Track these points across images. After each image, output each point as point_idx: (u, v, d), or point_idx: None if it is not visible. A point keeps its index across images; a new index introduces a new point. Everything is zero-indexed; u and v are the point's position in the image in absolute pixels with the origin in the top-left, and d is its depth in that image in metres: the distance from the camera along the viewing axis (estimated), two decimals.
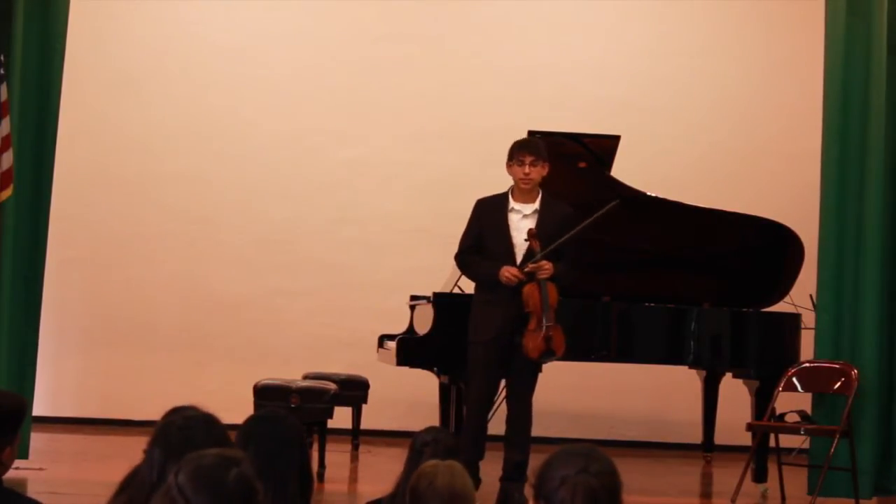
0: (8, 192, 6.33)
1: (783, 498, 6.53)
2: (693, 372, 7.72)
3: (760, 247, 7.18)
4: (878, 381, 6.58)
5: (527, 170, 5.97)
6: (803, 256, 7.07)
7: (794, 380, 6.61)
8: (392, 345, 6.75)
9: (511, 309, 5.89)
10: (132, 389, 8.80)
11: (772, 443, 6.74)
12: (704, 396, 7.82)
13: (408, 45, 9.22)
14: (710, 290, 7.09)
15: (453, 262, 6.32)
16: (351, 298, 9.06)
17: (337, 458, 7.37)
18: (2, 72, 6.28)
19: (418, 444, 3.51)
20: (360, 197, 9.17)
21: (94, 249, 9.04)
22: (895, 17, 6.65)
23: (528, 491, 2.31)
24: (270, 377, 7.00)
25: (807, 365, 6.66)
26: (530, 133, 6.65)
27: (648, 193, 6.96)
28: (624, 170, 6.90)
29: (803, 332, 6.90)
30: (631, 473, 7.39)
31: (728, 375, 7.31)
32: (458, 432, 6.14)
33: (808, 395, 6.75)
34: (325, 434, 6.82)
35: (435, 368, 6.61)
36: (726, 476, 7.19)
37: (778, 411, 6.67)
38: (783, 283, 7.14)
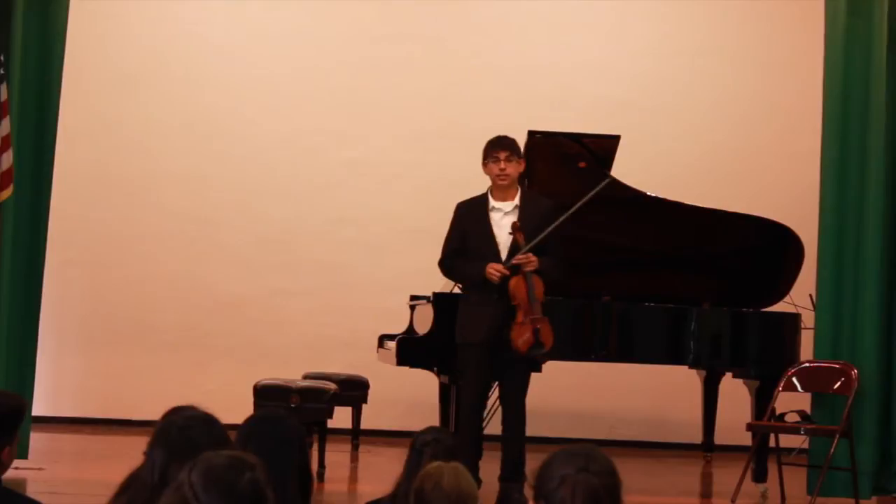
0: (8, 192, 6.32)
1: (783, 498, 6.53)
2: (693, 372, 7.72)
3: (760, 247, 7.18)
4: (876, 381, 6.58)
5: (502, 165, 6.00)
6: (803, 256, 7.07)
7: (794, 380, 6.61)
8: (392, 345, 6.75)
9: (500, 308, 5.89)
10: (132, 389, 8.80)
11: (772, 443, 6.74)
12: (704, 396, 7.82)
13: (408, 45, 9.22)
14: (710, 290, 7.08)
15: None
16: (351, 298, 9.06)
17: (337, 458, 7.37)
18: (2, 72, 6.27)
19: (418, 444, 3.51)
20: (360, 197, 9.17)
21: (93, 249, 9.04)
22: (895, 17, 6.64)
23: (528, 491, 2.31)
24: (270, 377, 6.99)
25: (807, 365, 6.66)
26: (530, 133, 6.66)
27: (648, 193, 6.96)
28: (624, 170, 6.90)
29: (803, 332, 6.90)
30: (631, 473, 7.40)
31: (728, 375, 7.31)
32: (458, 432, 6.13)
33: (808, 395, 6.75)
34: (325, 434, 6.82)
35: (435, 368, 6.61)
36: (726, 476, 7.19)
37: (778, 411, 6.67)
38: (783, 283, 7.13)
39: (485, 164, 6.10)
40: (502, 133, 6.08)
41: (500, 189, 6.06)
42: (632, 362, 7.08)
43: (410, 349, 6.55)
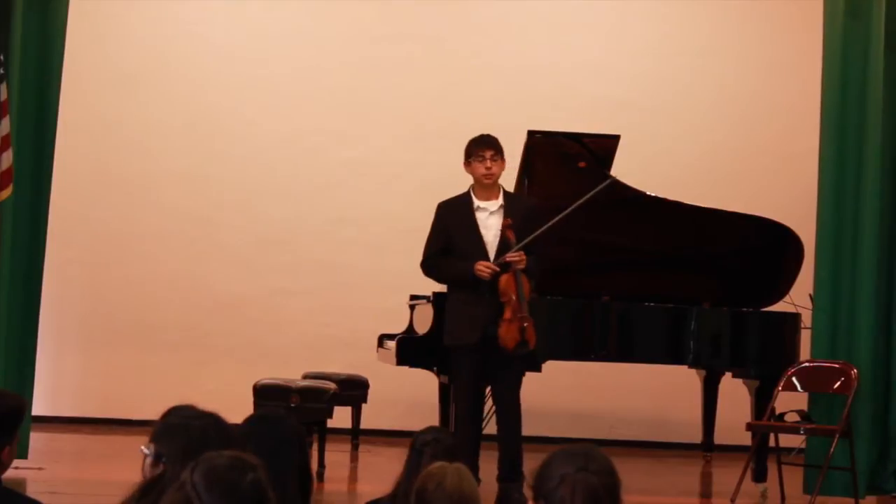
0: (8, 192, 6.32)
1: (783, 497, 6.53)
2: (693, 372, 7.72)
3: (760, 246, 7.18)
4: (873, 381, 6.59)
5: (488, 164, 5.99)
6: (803, 256, 7.07)
7: (794, 379, 6.61)
8: (392, 344, 6.75)
9: (492, 307, 5.89)
10: (132, 389, 8.80)
11: (771, 442, 6.74)
12: (704, 396, 7.82)
13: (408, 45, 9.22)
14: (710, 289, 7.09)
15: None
16: (351, 298, 9.06)
17: (337, 457, 7.37)
18: (1, 71, 6.27)
19: (418, 444, 3.51)
20: (360, 197, 9.17)
21: (93, 249, 9.04)
22: (893, 18, 6.65)
23: (527, 490, 2.31)
24: (270, 377, 7.00)
25: (806, 365, 6.66)
26: (530, 133, 6.66)
27: (648, 193, 6.96)
28: (624, 170, 6.90)
29: (803, 332, 6.90)
30: (631, 473, 7.39)
31: (728, 375, 7.31)
32: (456, 434, 6.13)
33: (806, 395, 6.75)
34: (324, 434, 6.82)
35: (435, 368, 6.61)
36: (726, 476, 7.19)
37: (777, 411, 6.68)
38: (783, 282, 7.14)
39: (468, 164, 6.07)
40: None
41: (484, 188, 6.05)
42: (632, 362, 7.10)
43: (410, 349, 6.55)
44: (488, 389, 6.18)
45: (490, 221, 6.02)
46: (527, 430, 6.08)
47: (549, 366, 6.56)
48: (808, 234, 6.92)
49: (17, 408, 3.34)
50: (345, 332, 8.88)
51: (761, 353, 6.87)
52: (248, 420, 2.89)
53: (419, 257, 6.19)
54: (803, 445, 6.82)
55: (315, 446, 6.72)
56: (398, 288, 7.43)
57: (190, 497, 2.06)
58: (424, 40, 9.25)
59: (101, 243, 9.06)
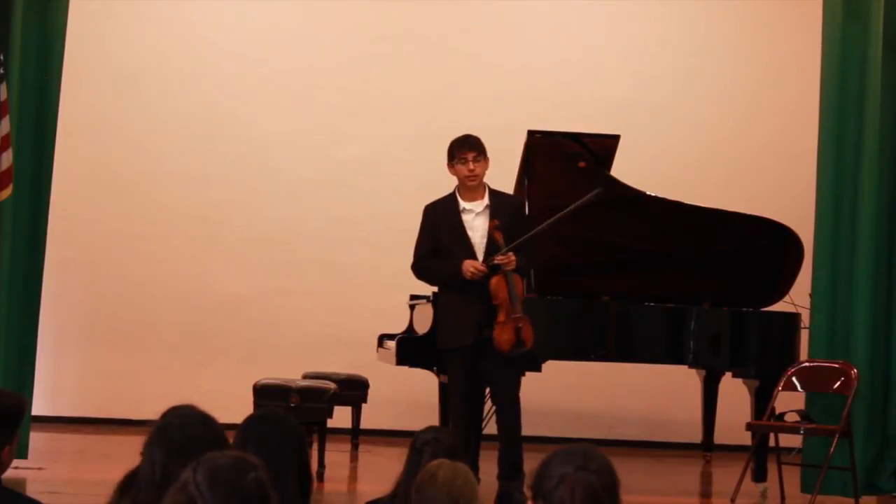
0: (7, 192, 6.32)
1: (782, 497, 6.54)
2: (693, 372, 7.72)
3: (760, 246, 7.18)
4: (871, 381, 6.59)
5: (471, 166, 5.98)
6: (803, 256, 7.07)
7: (794, 379, 6.61)
8: (392, 344, 6.76)
9: (483, 307, 5.89)
10: (132, 389, 8.80)
11: (771, 442, 6.74)
12: (704, 396, 7.82)
13: (408, 45, 9.22)
14: (710, 289, 7.08)
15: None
16: (351, 298, 9.06)
17: (337, 457, 7.37)
18: (1, 71, 6.27)
19: (418, 444, 3.51)
20: (360, 197, 9.17)
21: (93, 249, 9.04)
22: (891, 18, 6.66)
23: (527, 490, 2.31)
24: (270, 377, 7.00)
25: (806, 364, 6.66)
26: (530, 133, 6.66)
27: (648, 193, 6.96)
28: (624, 170, 6.90)
29: (803, 332, 6.90)
30: (631, 473, 7.41)
31: (728, 375, 7.31)
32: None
33: (804, 395, 6.76)
34: (324, 434, 6.82)
35: (435, 368, 6.61)
36: (726, 476, 7.19)
37: (777, 411, 6.68)
38: (783, 282, 7.14)
39: (451, 165, 6.06)
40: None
41: (468, 189, 6.05)
42: (631, 362, 7.10)
43: (410, 349, 6.55)
44: (488, 389, 6.18)
45: (476, 222, 6.02)
46: (527, 430, 6.08)
47: (549, 366, 6.56)
48: (807, 234, 6.92)
49: (17, 407, 3.35)
50: (345, 332, 8.88)
51: (761, 352, 6.87)
52: (248, 420, 2.88)
53: None
54: (802, 445, 6.83)
55: (315, 446, 6.72)
56: (398, 288, 7.44)
57: (193, 497, 2.06)
58: (424, 40, 9.25)
59: (101, 243, 9.06)
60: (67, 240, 8.57)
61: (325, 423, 6.80)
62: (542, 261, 6.73)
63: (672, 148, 9.23)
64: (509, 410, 5.98)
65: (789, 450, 7.00)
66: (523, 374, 6.19)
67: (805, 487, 6.53)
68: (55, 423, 8.53)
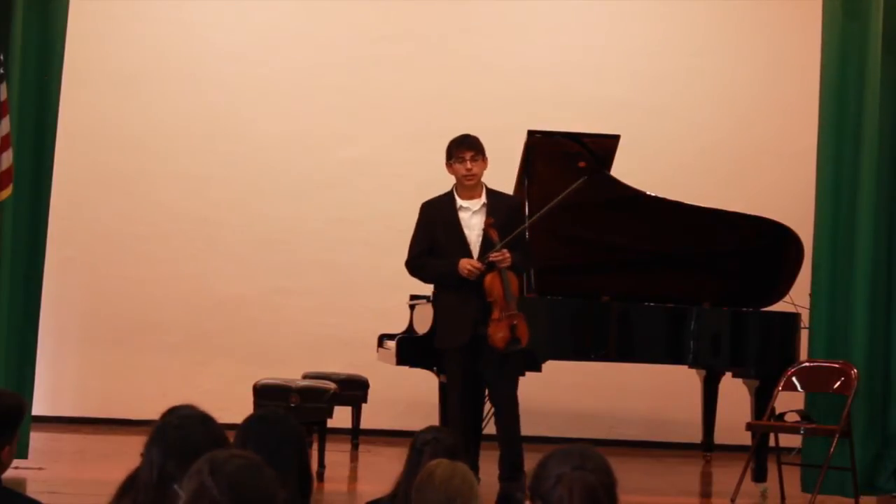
0: (8, 192, 6.33)
1: (782, 497, 6.54)
2: (693, 372, 7.72)
3: (760, 246, 7.18)
4: (871, 381, 6.59)
5: (468, 165, 6.00)
6: (803, 256, 7.07)
7: (794, 379, 6.61)
8: (392, 344, 6.76)
9: (480, 307, 5.89)
10: (132, 389, 8.80)
11: (771, 442, 6.74)
12: (704, 396, 7.82)
13: (408, 45, 9.22)
14: (710, 289, 7.09)
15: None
16: (351, 298, 9.07)
17: (337, 457, 7.37)
18: (1, 71, 6.27)
19: (419, 444, 3.51)
20: (360, 197, 9.17)
21: (93, 249, 9.04)
22: (891, 18, 6.66)
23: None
24: (270, 377, 7.00)
25: (806, 364, 6.66)
26: (530, 133, 6.66)
27: (648, 193, 6.96)
28: (624, 169, 6.91)
29: (803, 332, 6.90)
30: (631, 473, 7.43)
31: (728, 375, 7.31)
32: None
33: (804, 395, 6.76)
34: (324, 434, 6.82)
35: (435, 368, 6.61)
36: (726, 476, 7.19)
37: (777, 411, 6.68)
38: (783, 282, 7.14)
39: (449, 165, 6.09)
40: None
41: (466, 188, 6.07)
42: (632, 362, 7.10)
43: (410, 349, 6.55)
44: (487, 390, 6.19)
45: (473, 221, 6.04)
46: (527, 430, 6.08)
47: (549, 366, 6.56)
48: (807, 234, 6.93)
49: (17, 407, 3.35)
50: (345, 332, 8.88)
51: (761, 352, 6.87)
52: (248, 420, 2.88)
53: None
54: (802, 445, 6.83)
55: (315, 446, 6.72)
56: (398, 288, 7.44)
57: (219, 501, 2.06)
58: (424, 40, 9.25)
59: (101, 243, 9.06)
60: (67, 240, 8.57)
61: (325, 423, 6.80)
62: (542, 261, 6.74)
63: (672, 148, 9.22)
64: (508, 411, 5.98)
65: (789, 450, 7.00)
66: (522, 375, 6.19)
67: (805, 487, 6.54)
68: (55, 423, 8.53)
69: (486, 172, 6.11)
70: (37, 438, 6.86)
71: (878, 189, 6.62)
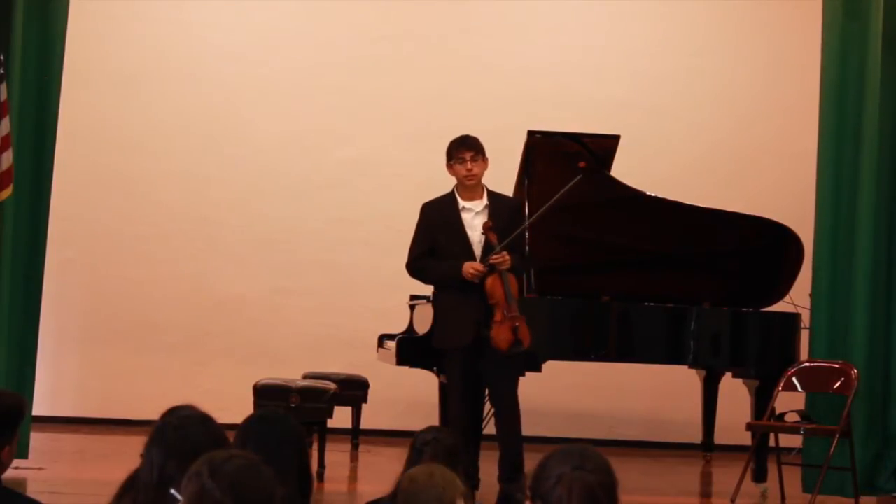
0: (8, 192, 6.33)
1: (783, 497, 6.54)
2: (693, 372, 7.72)
3: (760, 246, 7.18)
4: (871, 381, 6.59)
5: (469, 166, 6.00)
6: (803, 256, 7.07)
7: (794, 379, 6.61)
8: (392, 344, 6.76)
9: (481, 308, 5.89)
10: (132, 389, 8.80)
11: (771, 442, 6.74)
12: (704, 396, 7.82)
13: (408, 45, 9.22)
14: (710, 289, 7.08)
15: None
16: (351, 298, 9.06)
17: (337, 457, 7.37)
18: (1, 71, 6.28)
19: (419, 444, 3.51)
20: (360, 197, 9.17)
21: (93, 249, 9.04)
22: (891, 18, 6.66)
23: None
24: (270, 377, 7.00)
25: (806, 365, 6.66)
26: (530, 133, 6.66)
27: (648, 193, 6.96)
28: (624, 170, 6.91)
29: (803, 332, 6.90)
30: (631, 473, 7.42)
31: (728, 375, 7.31)
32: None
33: (804, 396, 6.76)
34: (324, 434, 6.82)
35: (435, 368, 6.61)
36: (726, 476, 7.19)
37: (777, 411, 6.68)
38: (783, 282, 7.14)
39: (450, 165, 6.09)
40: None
41: (467, 189, 6.07)
42: (631, 362, 7.09)
43: (410, 349, 6.55)
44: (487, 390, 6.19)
45: (475, 221, 6.04)
46: (527, 430, 6.08)
47: (549, 366, 6.56)
48: (807, 234, 6.93)
49: (17, 407, 3.35)
50: (345, 332, 8.89)
51: (761, 353, 6.87)
52: (248, 420, 2.88)
53: None
54: (802, 445, 6.83)
55: (315, 446, 6.72)
56: (398, 288, 7.43)
57: (222, 502, 2.06)
58: (424, 40, 9.25)
59: (101, 243, 9.06)
60: (67, 240, 8.57)
61: (325, 423, 6.80)
62: (542, 261, 6.74)
63: (672, 148, 9.22)
64: (508, 412, 5.98)
65: (789, 450, 7.00)
66: (522, 375, 6.19)
67: (805, 487, 6.53)
68: (55, 423, 8.53)
69: (486, 172, 6.11)
70: (37, 438, 6.85)
71: (878, 189, 6.62)
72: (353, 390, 7.79)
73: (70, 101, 7.27)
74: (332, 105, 9.21)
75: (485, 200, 6.07)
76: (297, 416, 4.91)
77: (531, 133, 6.66)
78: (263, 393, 6.82)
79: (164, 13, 9.21)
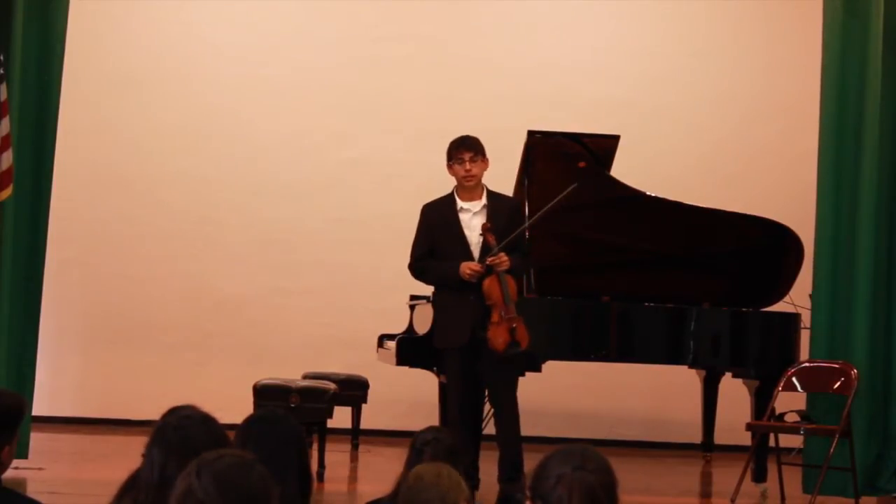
0: (8, 192, 6.33)
1: (783, 497, 6.53)
2: (693, 372, 7.72)
3: (760, 247, 7.18)
4: (871, 381, 6.59)
5: (468, 166, 6.01)
6: (803, 256, 7.07)
7: (794, 380, 6.61)
8: (392, 344, 6.76)
9: (478, 307, 5.90)
10: (132, 389, 8.80)
11: (771, 442, 6.74)
12: (704, 396, 7.82)
13: (408, 45, 9.22)
14: (710, 289, 7.09)
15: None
16: (351, 298, 9.06)
17: (337, 457, 7.37)
18: (2, 71, 6.28)
19: (419, 444, 3.51)
20: (360, 197, 9.17)
21: (93, 249, 9.04)
22: (892, 18, 6.66)
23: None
24: (270, 377, 7.00)
25: (806, 365, 6.66)
26: (530, 133, 6.66)
27: (648, 193, 6.96)
28: (624, 170, 6.91)
29: (803, 332, 6.90)
30: (631, 473, 7.42)
31: (728, 375, 7.31)
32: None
33: (805, 396, 6.75)
34: (324, 434, 6.82)
35: (434, 368, 6.62)
36: (726, 476, 7.19)
37: (777, 411, 6.68)
38: (783, 282, 7.14)
39: (449, 166, 6.10)
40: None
41: (466, 189, 6.07)
42: (632, 362, 7.09)
43: (410, 349, 6.55)
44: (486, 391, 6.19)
45: (474, 222, 6.04)
46: (527, 430, 6.08)
47: (549, 366, 6.56)
48: (807, 235, 6.93)
49: (17, 407, 3.35)
50: (345, 332, 8.88)
51: (761, 353, 6.87)
52: (248, 420, 2.88)
53: None
54: (803, 445, 6.83)
55: (315, 446, 6.73)
56: (398, 288, 7.44)
57: (203, 501, 2.06)
58: (424, 40, 9.25)
59: (101, 243, 9.06)
60: (67, 240, 8.56)
61: (325, 423, 6.80)
62: (542, 261, 6.74)
63: (672, 148, 9.22)
64: (507, 412, 5.99)
65: (789, 450, 7.00)
66: (522, 375, 6.20)
67: (805, 488, 6.53)
68: (55, 423, 8.53)
69: (486, 172, 6.12)
70: (37, 438, 6.85)
71: (879, 189, 6.61)
72: (353, 390, 7.79)
73: (70, 101, 7.27)
74: (332, 105, 9.21)
75: (483, 201, 6.07)
76: (297, 416, 4.92)
77: (531, 133, 6.66)
78: (263, 393, 6.82)
79: (164, 13, 9.21)
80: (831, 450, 6.26)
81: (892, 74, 6.67)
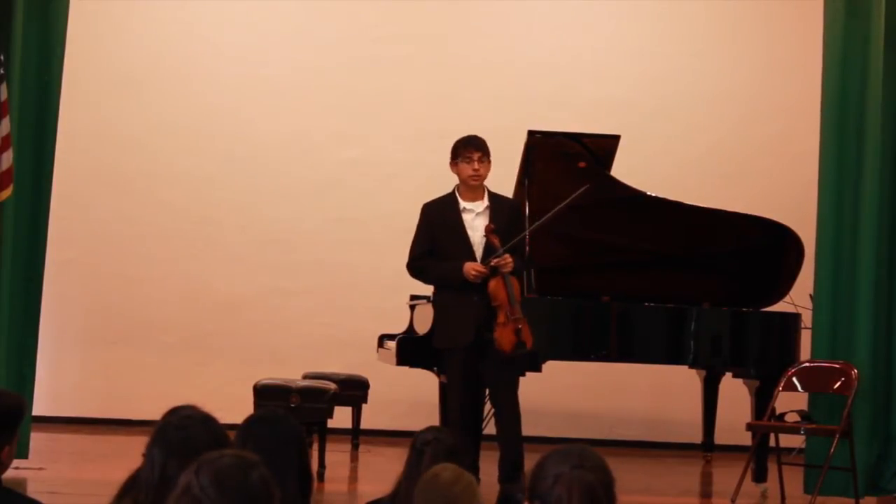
0: (8, 192, 6.33)
1: (783, 498, 6.53)
2: (693, 372, 7.72)
3: (760, 247, 7.18)
4: (873, 381, 6.59)
5: (476, 166, 6.01)
6: (803, 256, 7.07)
7: (794, 379, 6.61)
8: (392, 344, 6.76)
9: (482, 308, 5.90)
10: (132, 389, 8.80)
11: (772, 442, 6.74)
12: (704, 396, 7.82)
13: (408, 45, 9.22)
14: (710, 289, 7.09)
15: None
16: (351, 298, 9.06)
17: (337, 457, 7.38)
18: (2, 71, 6.28)
19: (419, 444, 3.51)
20: (360, 197, 9.17)
21: (93, 249, 9.04)
22: (893, 17, 6.65)
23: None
24: (270, 377, 7.00)
25: (807, 365, 6.66)
26: (530, 133, 6.66)
27: (648, 193, 6.96)
28: (624, 170, 6.90)
29: (804, 332, 6.90)
30: (631, 473, 7.43)
31: (728, 375, 7.31)
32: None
33: (806, 396, 6.75)
34: (325, 434, 6.83)
35: (435, 368, 6.62)
36: (726, 476, 7.19)
37: (778, 411, 6.68)
38: (783, 282, 7.14)
39: (454, 164, 6.09)
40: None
41: (469, 189, 6.07)
42: (631, 362, 7.09)
43: (410, 349, 6.55)
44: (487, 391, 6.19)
45: (476, 222, 6.04)
46: (527, 430, 6.08)
47: (549, 366, 6.56)
48: (807, 235, 6.93)
49: (17, 407, 3.35)
50: (345, 332, 8.88)
51: (761, 353, 6.87)
52: (248, 420, 2.89)
53: None
54: (803, 445, 6.83)
55: (315, 446, 6.73)
56: (398, 288, 7.44)
57: (200, 500, 2.06)
58: (424, 40, 9.25)
59: (101, 243, 9.06)
60: (68, 240, 8.56)
61: (325, 423, 6.80)
62: (542, 261, 6.74)
63: (672, 148, 9.22)
64: (508, 412, 5.99)
65: (790, 450, 7.00)
66: (522, 375, 6.20)
67: (806, 488, 6.53)
68: (55, 423, 8.53)
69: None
70: (37, 438, 6.85)
71: (880, 188, 6.61)
72: (354, 390, 7.79)
73: (70, 101, 7.27)
74: (332, 105, 9.21)
75: (486, 202, 6.07)
76: (297, 416, 4.92)
77: (531, 133, 6.66)
78: (263, 393, 6.82)
79: (164, 13, 9.21)
80: (832, 450, 6.26)
81: (893, 74, 6.66)
